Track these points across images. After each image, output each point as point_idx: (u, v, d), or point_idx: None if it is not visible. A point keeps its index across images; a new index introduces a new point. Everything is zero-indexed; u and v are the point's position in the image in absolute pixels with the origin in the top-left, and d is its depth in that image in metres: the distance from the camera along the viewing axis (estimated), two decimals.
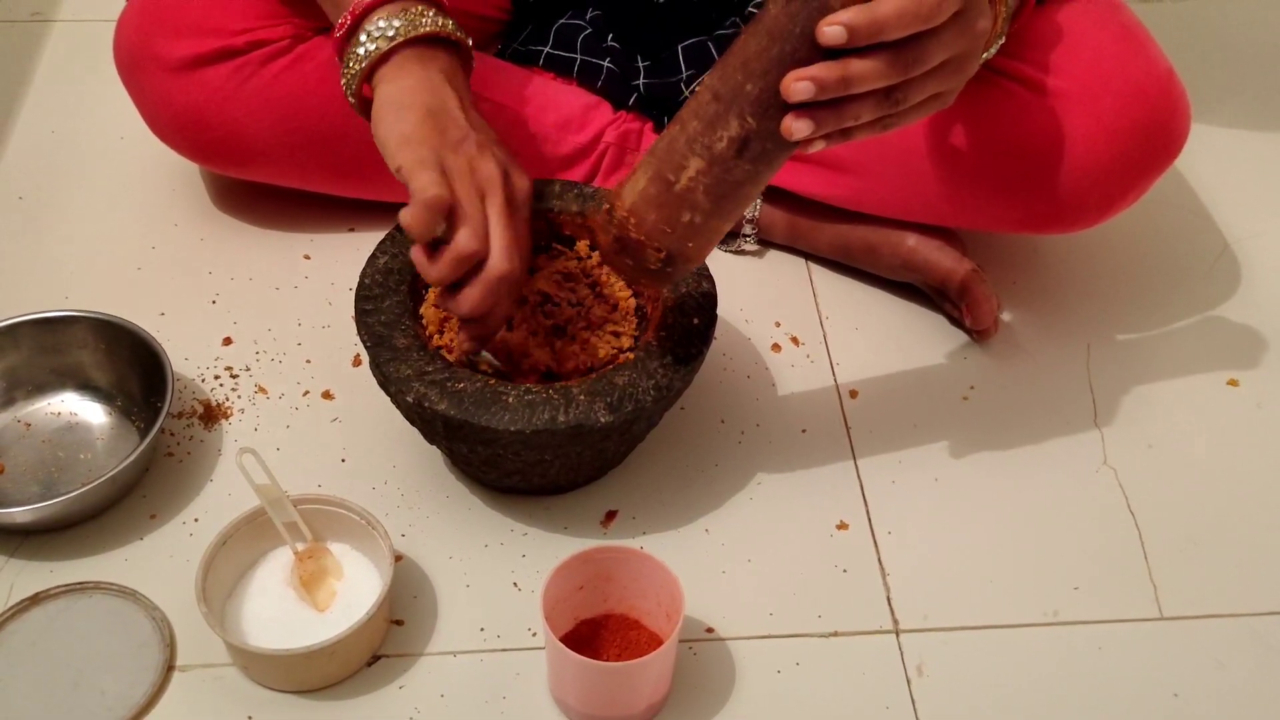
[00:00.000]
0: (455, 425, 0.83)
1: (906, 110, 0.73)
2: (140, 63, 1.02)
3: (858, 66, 0.69)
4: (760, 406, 1.02)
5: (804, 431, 1.00)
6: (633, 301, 0.94)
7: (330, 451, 0.98)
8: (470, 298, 0.83)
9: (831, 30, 0.68)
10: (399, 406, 0.88)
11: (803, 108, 0.71)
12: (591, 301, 0.94)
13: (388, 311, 0.89)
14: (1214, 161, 1.24)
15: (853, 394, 1.03)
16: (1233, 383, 1.05)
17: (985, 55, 0.82)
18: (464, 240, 0.82)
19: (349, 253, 1.10)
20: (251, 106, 1.02)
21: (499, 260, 0.82)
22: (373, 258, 0.92)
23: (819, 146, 0.73)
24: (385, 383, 0.86)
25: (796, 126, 0.71)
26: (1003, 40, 0.83)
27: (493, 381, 0.85)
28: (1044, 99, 0.95)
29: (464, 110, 0.86)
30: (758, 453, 0.98)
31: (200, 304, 1.08)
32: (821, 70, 0.69)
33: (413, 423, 0.89)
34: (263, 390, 1.01)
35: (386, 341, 0.87)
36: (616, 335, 0.92)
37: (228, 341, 1.05)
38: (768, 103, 0.72)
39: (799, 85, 0.69)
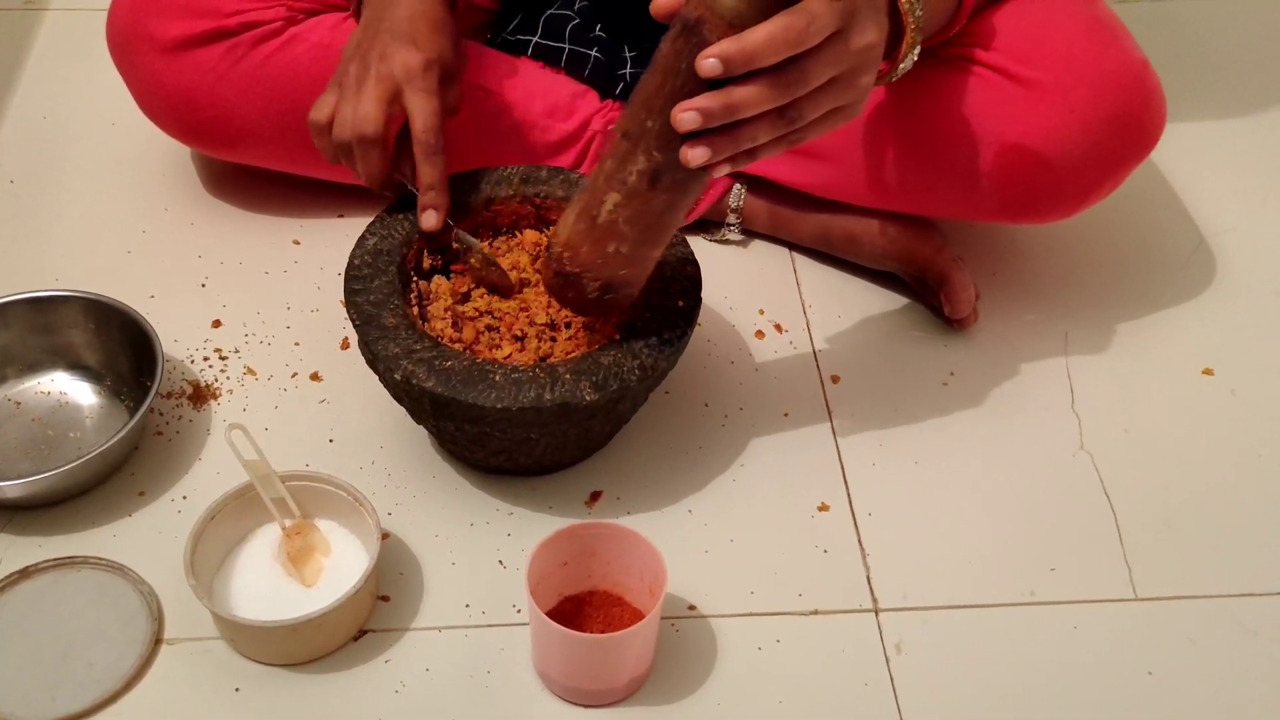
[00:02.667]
0: (442, 403, 0.84)
1: (807, 126, 0.76)
2: (132, 43, 1.03)
3: (740, 93, 0.72)
4: (744, 391, 1.03)
5: (786, 415, 1.02)
6: None
7: (318, 432, 0.98)
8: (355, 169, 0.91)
9: (707, 64, 0.71)
10: (386, 384, 0.89)
11: (698, 136, 0.73)
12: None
13: (376, 291, 0.90)
14: (1190, 157, 1.26)
15: (834, 379, 1.04)
16: (1207, 371, 1.07)
17: (902, 67, 0.84)
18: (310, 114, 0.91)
19: (338, 238, 1.11)
20: (242, 88, 1.03)
21: (336, 128, 0.90)
22: (362, 239, 0.93)
23: (724, 170, 0.76)
24: (373, 361, 0.87)
25: (694, 154, 0.74)
26: (917, 51, 0.84)
27: (480, 359, 0.86)
28: (1018, 89, 0.96)
29: (389, 18, 0.91)
30: (741, 436, 1.00)
31: (190, 287, 1.09)
32: (706, 100, 0.72)
33: (400, 401, 0.90)
34: (251, 372, 1.02)
35: (375, 320, 0.88)
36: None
37: (217, 324, 1.06)
38: (669, 135, 0.75)
39: (685, 115, 0.73)
